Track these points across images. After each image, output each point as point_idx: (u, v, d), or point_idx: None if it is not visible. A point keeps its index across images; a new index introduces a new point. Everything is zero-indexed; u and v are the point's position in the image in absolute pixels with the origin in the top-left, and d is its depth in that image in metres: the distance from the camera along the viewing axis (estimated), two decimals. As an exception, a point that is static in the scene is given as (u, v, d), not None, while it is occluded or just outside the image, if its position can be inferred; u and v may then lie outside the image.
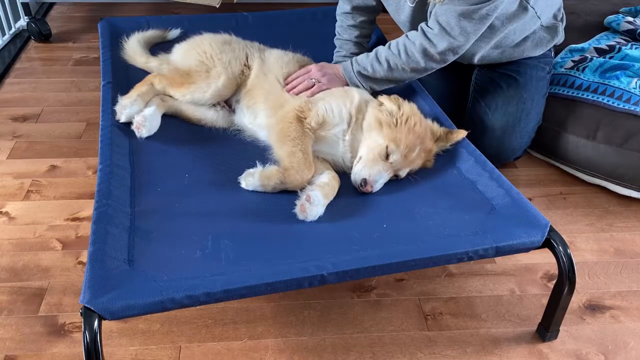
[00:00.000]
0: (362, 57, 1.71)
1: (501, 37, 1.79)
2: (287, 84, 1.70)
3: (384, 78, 1.69)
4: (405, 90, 1.81)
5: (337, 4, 1.99)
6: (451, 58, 1.66)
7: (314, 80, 1.68)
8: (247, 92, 1.73)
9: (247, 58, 1.77)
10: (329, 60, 1.95)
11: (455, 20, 1.57)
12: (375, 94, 1.69)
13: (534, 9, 1.75)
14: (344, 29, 1.94)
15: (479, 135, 1.83)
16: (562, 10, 1.91)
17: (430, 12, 1.66)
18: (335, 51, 1.96)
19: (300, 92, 1.66)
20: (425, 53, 1.63)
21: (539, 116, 1.92)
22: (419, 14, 1.75)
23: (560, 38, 1.93)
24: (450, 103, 1.93)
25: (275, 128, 1.55)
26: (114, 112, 1.65)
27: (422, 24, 1.65)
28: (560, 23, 1.90)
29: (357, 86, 1.70)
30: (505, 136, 1.85)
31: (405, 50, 1.65)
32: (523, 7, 1.73)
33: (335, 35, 1.98)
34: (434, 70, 1.69)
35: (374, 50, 1.71)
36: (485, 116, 1.87)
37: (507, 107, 1.85)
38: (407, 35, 1.67)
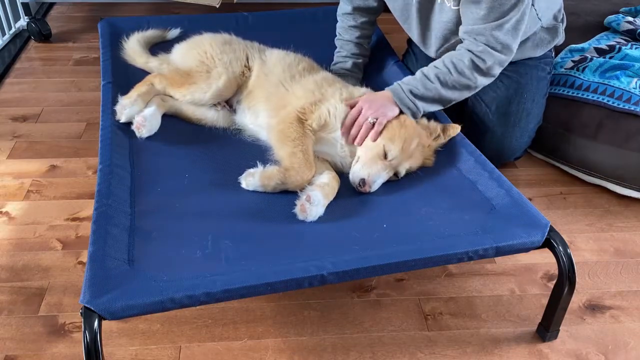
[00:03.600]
0: (408, 79, 1.64)
1: None
2: (343, 134, 1.56)
3: (436, 97, 1.62)
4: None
5: (337, 4, 1.99)
6: (498, 71, 1.65)
7: (370, 120, 1.53)
8: (249, 93, 1.73)
9: (247, 59, 1.77)
10: (329, 60, 1.95)
11: (492, 37, 1.57)
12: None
13: (535, 9, 1.75)
14: (345, 29, 1.94)
15: (479, 135, 1.82)
16: (562, 11, 1.91)
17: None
18: (336, 51, 1.96)
19: (364, 139, 1.53)
20: (476, 69, 1.61)
21: (540, 116, 1.92)
22: (426, 11, 1.75)
23: (560, 39, 1.93)
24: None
25: (276, 128, 1.55)
26: (114, 112, 1.65)
27: (466, 43, 1.62)
28: (561, 24, 1.90)
29: (409, 108, 1.59)
30: (506, 136, 1.85)
31: (454, 67, 1.61)
32: None
33: (336, 35, 1.98)
34: (484, 86, 1.67)
35: (418, 72, 1.65)
36: (485, 117, 1.87)
37: (507, 107, 1.85)
38: (451, 55, 1.63)
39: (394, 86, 1.63)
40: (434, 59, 1.73)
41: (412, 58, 2.11)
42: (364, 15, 1.93)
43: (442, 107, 1.68)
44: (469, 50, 1.61)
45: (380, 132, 1.53)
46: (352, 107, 1.58)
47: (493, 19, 1.56)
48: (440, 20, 1.74)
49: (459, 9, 1.66)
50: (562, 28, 1.92)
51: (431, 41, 1.85)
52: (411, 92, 1.60)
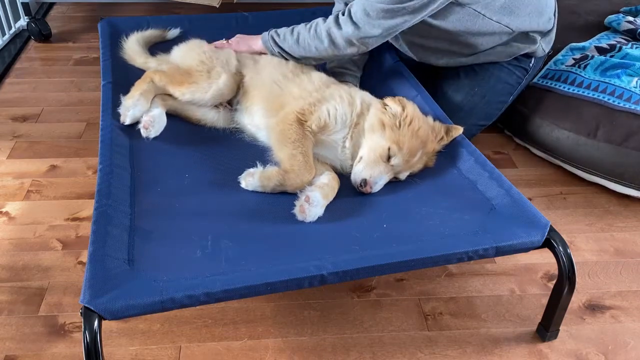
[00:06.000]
0: (282, 28, 1.77)
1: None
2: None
3: (289, 50, 1.73)
4: (405, 89, 1.82)
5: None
6: (348, 50, 1.68)
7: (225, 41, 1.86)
8: (244, 93, 1.73)
9: (239, 56, 1.79)
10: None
11: (375, 13, 1.59)
12: (380, 95, 1.67)
13: (504, 24, 1.76)
14: None
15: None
16: (550, 20, 1.88)
17: None
18: None
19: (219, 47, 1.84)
20: (330, 37, 1.67)
21: (488, 117, 1.93)
22: None
23: (537, 47, 1.89)
24: (418, 76, 1.92)
25: (275, 129, 1.55)
26: (116, 116, 1.64)
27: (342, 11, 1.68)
28: (540, 36, 1.88)
29: (269, 49, 1.78)
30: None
31: (314, 29, 1.69)
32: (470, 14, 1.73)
33: None
34: (342, 56, 1.74)
35: (297, 26, 1.75)
36: (439, 92, 1.90)
37: (454, 95, 1.83)
38: (324, 18, 1.71)
39: (266, 32, 1.80)
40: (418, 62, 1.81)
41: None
42: None
43: (299, 59, 1.76)
44: (336, 17, 1.67)
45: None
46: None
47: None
48: None
49: None
50: (544, 39, 1.90)
51: (401, 42, 1.88)
52: (272, 38, 1.76)
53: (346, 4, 1.92)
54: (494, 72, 1.89)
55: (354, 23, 1.62)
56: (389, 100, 1.56)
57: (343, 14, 1.65)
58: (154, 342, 1.38)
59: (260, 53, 1.81)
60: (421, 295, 1.53)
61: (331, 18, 1.68)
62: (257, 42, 1.81)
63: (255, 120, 1.67)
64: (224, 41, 1.88)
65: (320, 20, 1.70)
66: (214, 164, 1.57)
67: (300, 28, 1.72)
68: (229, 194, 1.46)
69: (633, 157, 1.81)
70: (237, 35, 1.88)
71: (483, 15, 1.70)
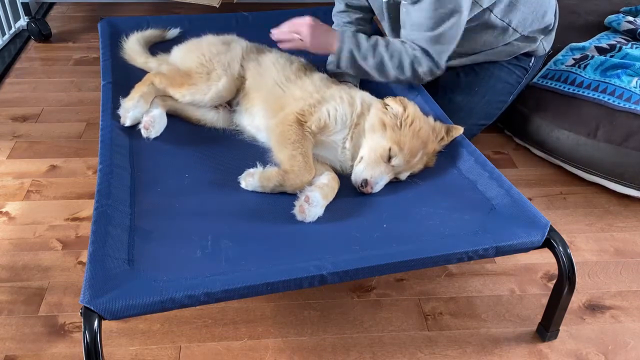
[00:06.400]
0: (361, 38, 1.66)
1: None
2: (274, 29, 1.67)
3: (361, 69, 1.68)
4: (405, 89, 1.82)
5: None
6: (428, 79, 1.69)
7: (298, 38, 1.65)
8: (245, 95, 1.72)
9: (243, 59, 1.76)
10: (326, 59, 1.94)
11: (429, 45, 1.61)
12: (380, 95, 1.68)
13: (510, 25, 1.76)
14: (340, 27, 1.94)
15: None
16: (550, 20, 1.89)
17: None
18: None
19: (283, 44, 1.68)
20: (414, 70, 1.64)
21: (488, 118, 1.92)
22: (394, 11, 1.78)
23: (537, 45, 1.90)
24: None
25: (275, 130, 1.54)
26: (116, 117, 1.64)
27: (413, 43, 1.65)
28: (542, 35, 1.88)
29: (339, 59, 1.67)
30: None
31: (399, 59, 1.64)
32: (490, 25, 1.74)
33: None
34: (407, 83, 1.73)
35: (374, 38, 1.67)
36: (433, 97, 1.88)
37: (454, 95, 1.83)
38: (400, 47, 1.65)
39: (345, 37, 1.66)
40: None
41: None
42: (357, 12, 1.93)
43: (363, 78, 1.74)
44: (412, 50, 1.64)
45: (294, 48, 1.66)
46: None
47: (430, 26, 1.58)
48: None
49: None
50: (545, 38, 1.90)
51: None
52: (351, 52, 1.64)
53: (346, 4, 1.92)
54: (494, 71, 1.89)
55: (430, 58, 1.63)
56: (389, 101, 1.56)
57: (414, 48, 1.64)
58: (154, 342, 1.38)
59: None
60: (421, 295, 1.53)
61: (413, 51, 1.64)
62: (333, 42, 1.66)
63: (256, 122, 1.67)
64: (293, 35, 1.66)
65: (401, 47, 1.65)
66: (214, 164, 1.57)
67: (382, 51, 1.65)
68: (229, 194, 1.46)
69: (633, 157, 1.81)
70: (310, 25, 1.64)
71: (490, 11, 1.71)
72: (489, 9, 1.71)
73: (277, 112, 1.60)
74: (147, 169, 1.51)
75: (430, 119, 1.58)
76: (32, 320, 1.42)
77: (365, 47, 1.65)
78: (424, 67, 1.64)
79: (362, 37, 1.68)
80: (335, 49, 1.66)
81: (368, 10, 1.94)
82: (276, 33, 1.67)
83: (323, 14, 2.32)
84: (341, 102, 1.57)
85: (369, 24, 1.98)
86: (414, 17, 1.61)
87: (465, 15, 1.61)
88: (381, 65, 1.65)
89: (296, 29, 1.65)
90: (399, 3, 1.73)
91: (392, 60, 1.64)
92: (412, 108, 1.54)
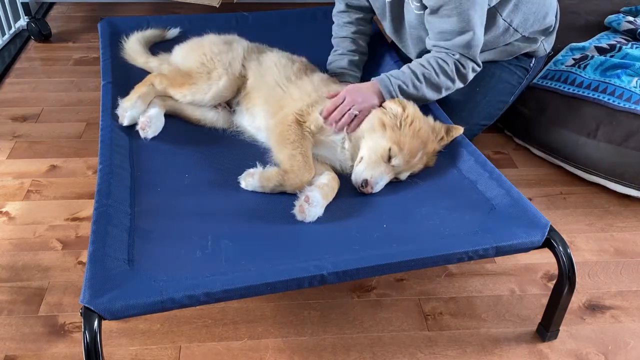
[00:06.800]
0: (397, 73, 1.64)
1: None
2: (324, 117, 1.55)
3: (419, 95, 1.63)
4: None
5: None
6: (471, 77, 1.70)
7: (353, 112, 1.54)
8: (246, 95, 1.72)
9: (244, 59, 1.76)
10: (326, 59, 1.94)
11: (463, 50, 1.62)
12: None
13: (510, 25, 1.76)
14: (341, 27, 1.94)
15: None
16: (552, 21, 1.89)
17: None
18: (332, 51, 1.95)
19: (343, 127, 1.55)
20: (459, 73, 1.64)
21: (489, 117, 1.92)
22: (397, 10, 1.78)
23: (538, 46, 1.90)
24: None
25: (274, 131, 1.55)
26: (115, 117, 1.64)
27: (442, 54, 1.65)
28: (543, 36, 1.89)
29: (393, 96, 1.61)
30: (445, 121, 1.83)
31: (441, 69, 1.62)
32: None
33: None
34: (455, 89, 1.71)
35: (405, 67, 1.65)
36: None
37: (455, 95, 1.83)
38: (434, 56, 1.64)
39: (383, 78, 1.63)
40: None
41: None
42: (358, 12, 1.93)
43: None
44: (451, 55, 1.63)
45: (359, 124, 1.54)
46: (333, 97, 1.59)
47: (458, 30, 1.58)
48: (409, 22, 1.75)
49: (422, 14, 1.67)
50: (546, 39, 1.90)
51: (407, 42, 1.87)
52: (400, 87, 1.61)
53: (347, 4, 1.92)
54: (495, 72, 1.89)
55: (467, 58, 1.64)
56: (389, 101, 1.56)
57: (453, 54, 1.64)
58: (154, 342, 1.38)
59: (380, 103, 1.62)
60: (421, 295, 1.53)
61: (452, 57, 1.63)
62: (374, 97, 1.59)
63: (256, 122, 1.67)
64: (342, 108, 1.55)
65: (433, 60, 1.64)
66: (214, 164, 1.57)
67: (424, 72, 1.62)
68: (228, 194, 1.46)
69: (633, 157, 1.81)
70: (347, 90, 1.58)
71: (496, 10, 1.71)
72: (496, 9, 1.71)
73: (278, 112, 1.60)
74: (147, 169, 1.51)
75: (430, 119, 1.58)
76: (32, 320, 1.42)
77: (405, 78, 1.62)
78: (467, 68, 1.64)
79: (396, 72, 1.65)
80: (383, 91, 1.60)
81: (368, 10, 1.94)
82: (330, 119, 1.55)
83: (323, 14, 2.34)
84: None
85: (369, 24, 1.99)
86: (438, 26, 1.62)
87: (485, 10, 1.61)
88: (430, 82, 1.63)
89: (338, 102, 1.56)
90: (402, 2, 1.73)
91: (436, 72, 1.63)
92: (412, 108, 1.54)
